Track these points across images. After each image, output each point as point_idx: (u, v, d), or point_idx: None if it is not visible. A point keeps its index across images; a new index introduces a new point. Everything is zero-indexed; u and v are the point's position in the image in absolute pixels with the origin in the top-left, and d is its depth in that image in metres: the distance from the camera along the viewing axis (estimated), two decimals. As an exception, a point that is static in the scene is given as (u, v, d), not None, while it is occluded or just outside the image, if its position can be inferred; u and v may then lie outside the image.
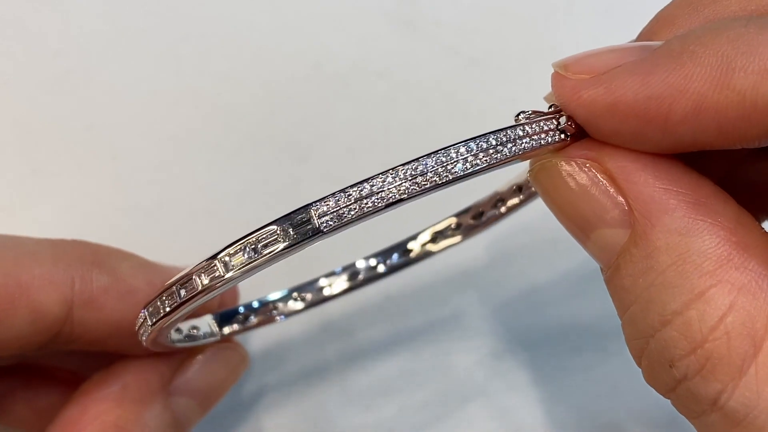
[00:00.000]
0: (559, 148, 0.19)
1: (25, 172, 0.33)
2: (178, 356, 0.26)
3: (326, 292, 0.28)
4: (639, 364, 0.19)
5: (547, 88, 0.20)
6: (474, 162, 0.18)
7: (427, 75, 0.35)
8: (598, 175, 0.18)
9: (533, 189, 0.24)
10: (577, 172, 0.19)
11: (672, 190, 0.18)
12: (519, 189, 0.26)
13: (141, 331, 0.21)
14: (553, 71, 0.19)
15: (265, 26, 0.36)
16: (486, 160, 0.18)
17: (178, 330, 0.25)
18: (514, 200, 0.26)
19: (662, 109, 0.17)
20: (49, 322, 0.22)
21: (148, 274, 0.24)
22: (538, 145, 0.18)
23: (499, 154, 0.18)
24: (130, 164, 0.33)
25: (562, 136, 0.18)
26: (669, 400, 0.18)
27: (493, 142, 0.18)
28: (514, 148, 0.18)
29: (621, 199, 0.18)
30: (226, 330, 0.27)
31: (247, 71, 0.35)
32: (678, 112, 0.17)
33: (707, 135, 0.17)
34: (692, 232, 0.17)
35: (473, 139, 0.18)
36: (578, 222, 0.19)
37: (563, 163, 0.19)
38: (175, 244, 0.32)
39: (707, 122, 0.17)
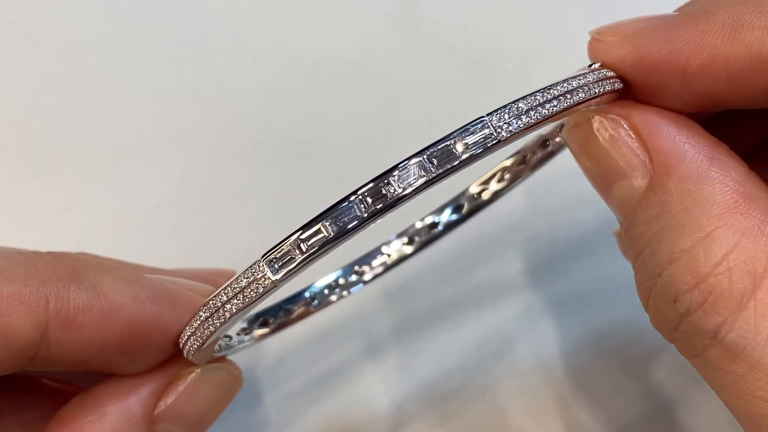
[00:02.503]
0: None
1: (25, 172, 0.33)
2: (161, 379, 0.23)
3: (388, 260, 0.28)
4: (647, 308, 0.20)
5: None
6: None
7: (427, 75, 0.35)
8: (625, 129, 0.20)
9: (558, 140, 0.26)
10: (606, 126, 0.21)
11: (689, 144, 0.19)
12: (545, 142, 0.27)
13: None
14: (589, 38, 0.22)
15: (265, 26, 0.36)
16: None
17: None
18: (549, 148, 0.27)
19: (681, 62, 0.19)
20: (21, 347, 0.20)
21: (132, 289, 0.22)
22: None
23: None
24: (130, 164, 0.33)
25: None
26: (675, 345, 0.19)
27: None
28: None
29: (643, 150, 0.20)
30: (259, 332, 0.26)
31: (247, 71, 0.35)
32: (694, 64, 0.19)
33: (720, 86, 0.19)
34: (704, 180, 0.19)
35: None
36: (604, 173, 0.21)
37: (597, 118, 0.21)
38: (175, 244, 0.32)
39: (720, 73, 0.19)
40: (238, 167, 0.33)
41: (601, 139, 0.21)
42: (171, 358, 0.23)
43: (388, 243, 0.29)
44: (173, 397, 0.23)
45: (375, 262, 0.28)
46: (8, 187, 0.33)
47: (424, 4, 0.37)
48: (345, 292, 0.28)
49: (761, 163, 0.22)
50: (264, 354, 0.31)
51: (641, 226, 0.20)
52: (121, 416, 0.22)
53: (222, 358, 0.25)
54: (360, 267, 0.28)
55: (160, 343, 0.22)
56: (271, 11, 0.37)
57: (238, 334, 0.26)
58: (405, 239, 0.29)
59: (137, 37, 0.36)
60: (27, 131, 0.34)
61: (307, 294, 0.28)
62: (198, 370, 0.24)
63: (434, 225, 0.29)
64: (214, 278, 0.25)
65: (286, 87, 0.35)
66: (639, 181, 0.20)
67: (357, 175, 0.32)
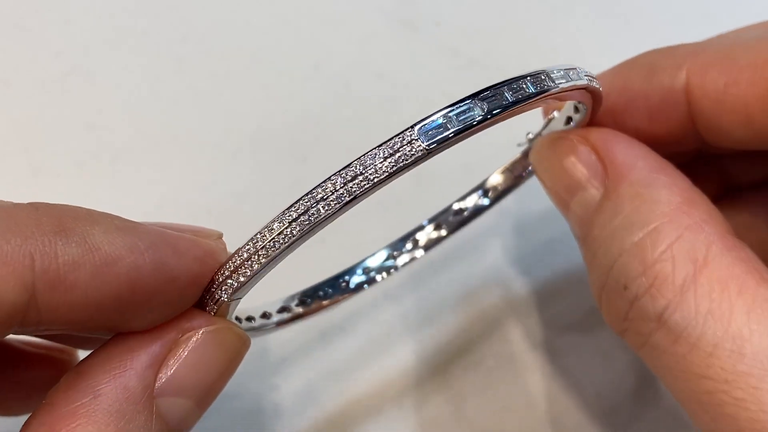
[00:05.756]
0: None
1: (25, 172, 0.33)
2: (159, 348, 0.20)
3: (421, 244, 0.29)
4: (600, 305, 0.22)
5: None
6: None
7: (427, 75, 0.35)
8: (584, 146, 0.23)
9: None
10: (567, 145, 0.23)
11: (639, 156, 0.22)
12: None
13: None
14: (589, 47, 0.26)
15: (265, 26, 0.36)
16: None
17: (236, 319, 0.23)
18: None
19: (609, 105, 0.24)
20: (6, 313, 0.18)
21: (128, 238, 0.19)
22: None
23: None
24: (130, 164, 0.33)
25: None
26: (625, 340, 0.21)
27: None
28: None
29: (599, 163, 0.22)
30: (286, 315, 0.26)
31: (247, 71, 0.35)
32: (620, 103, 0.24)
33: (642, 121, 0.24)
34: (652, 185, 0.21)
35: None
36: (564, 187, 0.23)
37: (559, 138, 0.24)
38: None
39: (640, 109, 0.24)
40: (238, 167, 0.33)
41: (562, 157, 0.23)
42: (173, 319, 0.21)
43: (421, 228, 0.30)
44: (174, 367, 0.20)
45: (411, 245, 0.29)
46: (8, 187, 0.33)
47: (424, 4, 0.37)
48: (392, 270, 0.29)
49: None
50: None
51: (596, 229, 0.22)
52: (118, 395, 0.19)
53: (221, 318, 0.22)
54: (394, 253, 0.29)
55: (164, 295, 0.20)
56: (271, 11, 0.37)
57: (262, 315, 0.25)
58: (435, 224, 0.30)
59: (137, 37, 0.36)
60: (27, 131, 0.34)
61: (348, 277, 0.28)
62: (200, 333, 0.21)
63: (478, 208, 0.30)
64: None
65: (286, 87, 0.35)
66: (595, 192, 0.22)
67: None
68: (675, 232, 0.20)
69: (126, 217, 0.20)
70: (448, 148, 0.18)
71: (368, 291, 0.28)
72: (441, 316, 0.31)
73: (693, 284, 0.19)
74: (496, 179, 0.29)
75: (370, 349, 0.30)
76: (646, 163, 0.22)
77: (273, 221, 0.19)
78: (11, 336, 0.21)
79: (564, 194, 0.23)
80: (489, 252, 0.32)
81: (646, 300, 0.20)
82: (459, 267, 0.32)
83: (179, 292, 0.20)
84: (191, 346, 0.21)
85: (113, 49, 0.35)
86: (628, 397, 0.30)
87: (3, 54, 0.35)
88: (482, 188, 0.30)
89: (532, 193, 0.30)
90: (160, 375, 0.20)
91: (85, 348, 0.25)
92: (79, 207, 0.20)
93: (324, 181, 0.19)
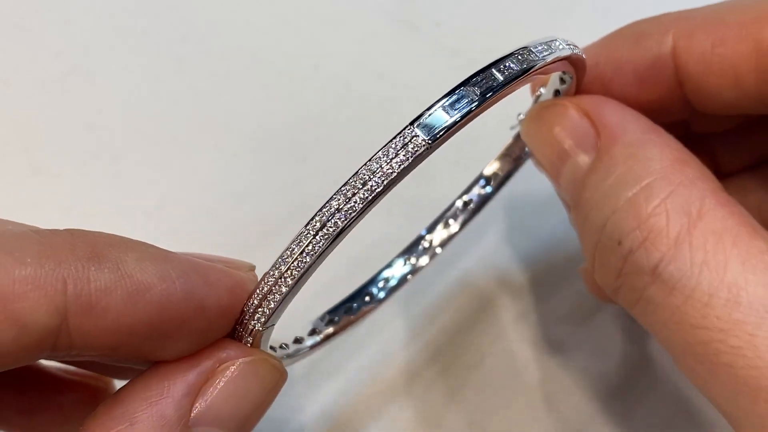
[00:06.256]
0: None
1: (25, 172, 0.33)
2: (196, 377, 0.21)
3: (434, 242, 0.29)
4: (592, 266, 0.22)
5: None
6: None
7: (427, 75, 0.35)
8: (574, 110, 0.23)
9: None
10: (557, 113, 0.23)
11: (631, 119, 0.22)
12: None
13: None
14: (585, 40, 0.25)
15: (265, 26, 0.36)
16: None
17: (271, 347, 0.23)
18: None
19: (599, 73, 0.24)
20: (38, 336, 0.18)
21: (160, 266, 0.20)
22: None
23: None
24: (130, 164, 0.33)
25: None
26: (618, 300, 0.21)
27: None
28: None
29: (590, 126, 0.22)
30: (314, 339, 0.26)
31: (247, 71, 0.35)
32: (608, 71, 0.24)
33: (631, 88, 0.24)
34: (644, 144, 0.21)
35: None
36: (555, 155, 0.23)
37: (548, 104, 0.24)
38: (175, 244, 0.32)
39: (628, 76, 0.24)
40: (238, 167, 0.33)
41: (552, 125, 0.23)
42: (207, 347, 0.21)
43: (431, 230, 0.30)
44: (211, 397, 0.20)
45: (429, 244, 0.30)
46: (8, 187, 0.33)
47: (424, 4, 0.37)
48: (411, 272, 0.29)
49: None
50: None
51: (589, 191, 0.22)
52: (154, 423, 0.20)
53: (258, 350, 0.22)
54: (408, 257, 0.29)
55: (193, 324, 0.20)
56: (271, 11, 0.37)
57: (295, 341, 0.26)
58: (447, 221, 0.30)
59: (137, 37, 0.36)
60: (27, 131, 0.34)
61: (370, 287, 0.28)
62: (238, 363, 0.21)
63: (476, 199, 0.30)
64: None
65: (286, 87, 0.35)
66: (586, 157, 0.22)
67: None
68: (668, 187, 0.20)
69: (158, 246, 0.21)
70: (450, 137, 0.19)
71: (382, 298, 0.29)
72: (441, 316, 0.31)
73: (688, 236, 0.19)
74: (495, 166, 0.30)
75: (370, 348, 0.30)
76: (638, 124, 0.22)
77: (292, 243, 0.19)
78: (48, 363, 0.22)
79: (556, 161, 0.23)
80: (487, 250, 0.32)
81: (641, 254, 0.20)
82: (459, 266, 0.32)
83: (209, 321, 0.20)
84: (228, 377, 0.21)
85: (113, 49, 0.35)
86: (627, 388, 0.30)
87: (3, 54, 0.35)
88: (483, 177, 0.30)
89: (531, 191, 0.30)
90: (196, 404, 0.20)
91: (120, 378, 0.25)
92: (114, 234, 0.20)
93: (336, 192, 0.19)
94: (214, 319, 0.20)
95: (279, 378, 0.22)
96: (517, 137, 0.28)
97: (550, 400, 0.30)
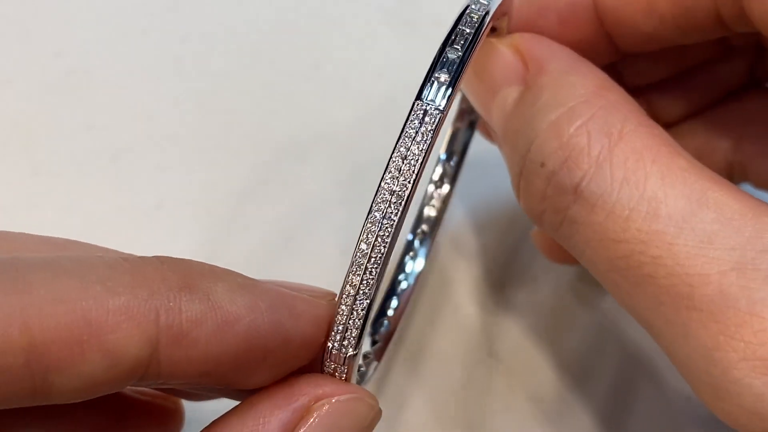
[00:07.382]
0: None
1: (26, 173, 0.33)
2: (290, 415, 0.20)
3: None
4: (518, 193, 0.22)
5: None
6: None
7: (427, 75, 0.35)
8: (504, 45, 0.23)
9: None
10: (488, 50, 0.23)
11: (559, 51, 0.23)
12: None
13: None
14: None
15: (265, 26, 0.36)
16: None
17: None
18: None
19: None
20: (129, 367, 0.18)
21: (248, 297, 0.19)
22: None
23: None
24: (130, 164, 0.33)
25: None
26: (543, 226, 0.22)
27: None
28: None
29: (519, 60, 0.23)
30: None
31: (247, 71, 0.35)
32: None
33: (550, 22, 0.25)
34: (570, 71, 0.22)
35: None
36: (488, 89, 0.23)
37: (480, 43, 0.23)
38: (175, 244, 0.32)
39: (548, 17, 0.24)
40: (238, 167, 0.33)
41: (484, 62, 0.23)
42: (302, 382, 0.21)
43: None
44: None
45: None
46: (8, 187, 0.33)
47: (424, 4, 0.37)
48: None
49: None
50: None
51: (515, 121, 0.22)
52: None
53: (353, 385, 0.21)
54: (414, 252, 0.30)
55: (278, 355, 0.20)
56: (271, 11, 0.37)
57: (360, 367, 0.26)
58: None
59: (137, 37, 0.36)
60: (27, 131, 0.34)
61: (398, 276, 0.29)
62: (332, 401, 0.20)
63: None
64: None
65: (286, 87, 0.35)
66: (515, 90, 0.23)
67: (357, 175, 0.33)
68: (590, 110, 0.21)
69: (246, 275, 0.20)
70: (454, 98, 0.19)
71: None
72: (441, 315, 0.31)
73: (608, 155, 0.20)
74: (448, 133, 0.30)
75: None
76: (565, 54, 0.23)
77: (354, 257, 0.19)
78: None
79: (486, 97, 0.24)
80: (479, 250, 0.32)
81: (563, 173, 0.20)
82: (458, 267, 0.32)
83: (293, 353, 0.20)
84: (323, 415, 0.20)
85: (113, 49, 0.35)
86: (627, 381, 0.30)
87: (3, 54, 0.35)
88: (445, 152, 0.30)
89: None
90: None
91: (190, 399, 0.25)
92: (202, 263, 0.20)
93: (378, 190, 0.19)
94: (297, 351, 0.20)
95: (374, 417, 0.21)
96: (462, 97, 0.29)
97: (551, 401, 0.30)
